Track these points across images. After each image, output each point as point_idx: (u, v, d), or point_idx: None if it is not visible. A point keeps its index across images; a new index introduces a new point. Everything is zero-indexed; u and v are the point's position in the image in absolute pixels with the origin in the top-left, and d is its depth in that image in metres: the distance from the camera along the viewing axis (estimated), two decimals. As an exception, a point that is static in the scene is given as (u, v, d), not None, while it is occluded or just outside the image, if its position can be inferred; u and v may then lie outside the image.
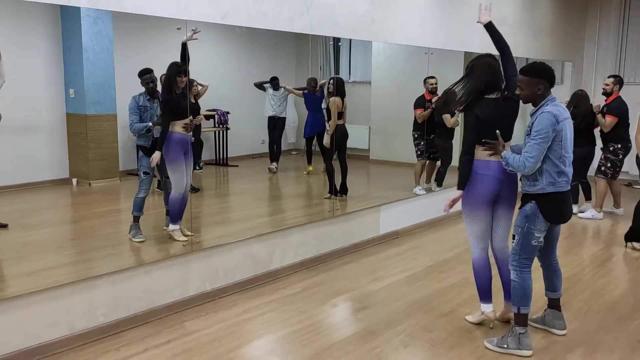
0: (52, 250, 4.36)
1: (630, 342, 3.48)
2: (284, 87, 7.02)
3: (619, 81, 6.64)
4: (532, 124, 3.18)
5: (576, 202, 6.79)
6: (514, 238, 3.34)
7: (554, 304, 3.56)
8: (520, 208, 3.31)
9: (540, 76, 3.18)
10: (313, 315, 3.85)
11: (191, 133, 4.48)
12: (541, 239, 3.27)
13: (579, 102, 6.56)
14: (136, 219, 4.35)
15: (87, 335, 3.37)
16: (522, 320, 3.29)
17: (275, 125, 7.13)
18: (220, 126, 6.97)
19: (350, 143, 7.17)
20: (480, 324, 3.66)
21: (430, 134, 6.62)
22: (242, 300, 4.07)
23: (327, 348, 3.37)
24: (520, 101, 3.35)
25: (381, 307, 3.99)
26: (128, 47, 5.55)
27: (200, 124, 6.52)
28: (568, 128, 3.18)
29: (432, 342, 3.44)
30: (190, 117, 4.41)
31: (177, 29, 3.88)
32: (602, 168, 6.58)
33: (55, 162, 5.65)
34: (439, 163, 6.78)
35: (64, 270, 3.77)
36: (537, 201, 3.21)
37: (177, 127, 4.35)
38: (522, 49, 7.55)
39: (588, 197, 6.94)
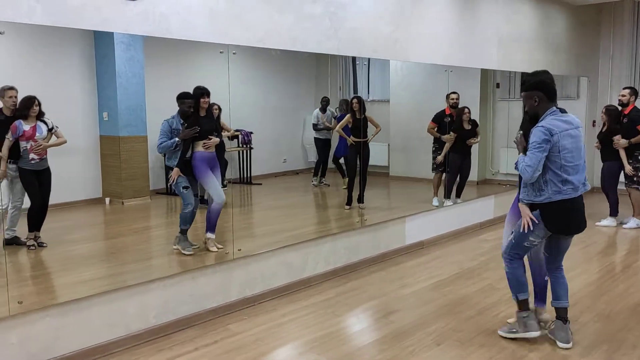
0: (97, 262, 4.64)
1: (653, 339, 3.66)
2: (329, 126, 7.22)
3: (634, 92, 6.88)
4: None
5: (615, 214, 6.99)
6: (511, 233, 3.57)
7: (559, 315, 3.56)
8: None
9: (535, 88, 3.38)
10: (347, 318, 4.08)
11: (213, 150, 4.71)
12: (535, 243, 3.46)
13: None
14: (184, 232, 4.58)
15: (141, 336, 3.64)
16: (522, 305, 3.55)
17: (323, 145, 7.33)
18: (244, 146, 7.24)
19: (370, 160, 7.43)
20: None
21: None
22: (280, 305, 4.32)
23: (363, 347, 3.60)
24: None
25: (411, 311, 4.21)
26: (157, 71, 5.88)
27: (223, 144, 6.83)
28: (569, 139, 3.31)
29: (462, 341, 3.64)
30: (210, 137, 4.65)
31: (220, 52, 4.20)
32: (635, 178, 6.73)
33: (90, 182, 5.96)
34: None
35: (112, 280, 4.03)
36: (542, 210, 3.36)
37: (199, 147, 4.61)
38: (539, 65, 7.78)
39: (612, 212, 7.04)
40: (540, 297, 3.80)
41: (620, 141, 6.65)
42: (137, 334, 3.63)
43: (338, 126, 6.49)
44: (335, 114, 7.30)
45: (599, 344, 3.57)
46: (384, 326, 3.96)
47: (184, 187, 4.63)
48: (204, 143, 4.61)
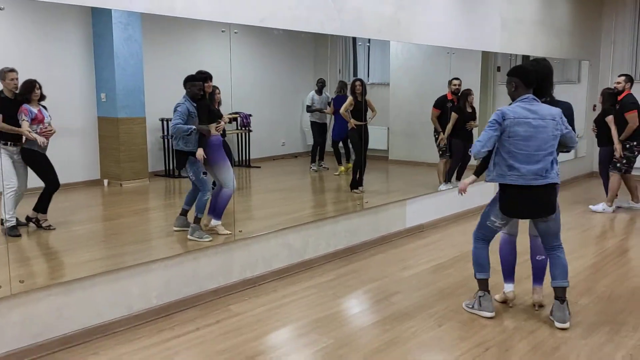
0: (98, 243, 4.64)
1: (653, 321, 3.68)
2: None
3: (630, 79, 6.89)
4: None
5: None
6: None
7: (556, 294, 3.58)
8: None
9: (513, 74, 3.46)
10: (348, 300, 4.09)
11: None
12: (497, 224, 3.60)
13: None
14: (197, 221, 4.44)
15: (143, 316, 3.64)
16: (480, 284, 3.72)
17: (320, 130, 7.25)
18: (243, 128, 7.19)
19: (370, 144, 7.36)
20: (504, 302, 3.92)
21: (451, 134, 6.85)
22: (281, 287, 4.32)
23: (364, 328, 3.61)
24: None
25: (412, 293, 4.22)
26: (155, 52, 5.81)
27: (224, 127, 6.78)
28: (525, 127, 3.35)
29: (464, 322, 3.66)
30: (219, 120, 4.65)
31: (222, 31, 4.15)
32: (618, 164, 6.76)
33: (88, 163, 5.92)
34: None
35: (114, 261, 4.03)
36: (500, 190, 3.53)
37: (212, 131, 4.56)
38: (541, 49, 7.75)
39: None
40: (534, 277, 3.85)
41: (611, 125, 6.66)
42: (139, 313, 3.63)
43: (343, 108, 6.41)
44: (330, 97, 7.22)
45: (600, 326, 3.59)
46: (385, 307, 3.97)
47: (204, 173, 4.53)
48: (217, 127, 4.57)
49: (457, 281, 4.46)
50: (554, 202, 3.49)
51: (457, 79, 6.72)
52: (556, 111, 3.44)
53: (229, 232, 4.44)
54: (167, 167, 5.89)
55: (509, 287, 3.85)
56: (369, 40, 6.48)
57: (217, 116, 4.66)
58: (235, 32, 4.22)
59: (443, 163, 6.85)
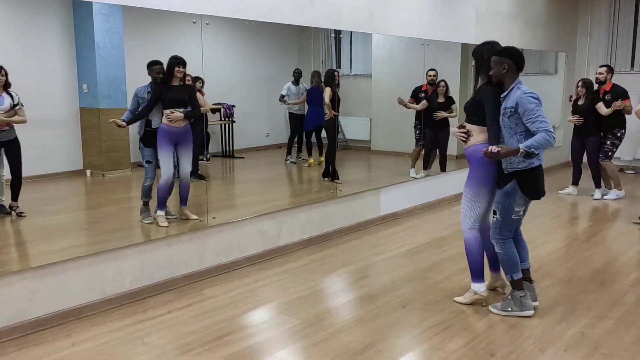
0: (77, 231, 4.73)
1: (608, 302, 3.84)
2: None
3: (611, 70, 7.01)
4: (516, 103, 3.34)
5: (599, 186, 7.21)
6: (494, 214, 3.58)
7: (524, 276, 3.63)
8: (499, 188, 3.53)
9: (505, 55, 3.41)
10: (319, 283, 4.22)
11: (182, 125, 4.62)
12: (521, 212, 3.52)
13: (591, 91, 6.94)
14: (145, 204, 4.70)
15: (116, 300, 3.75)
16: (518, 285, 3.56)
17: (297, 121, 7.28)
18: (226, 119, 7.26)
19: (351, 134, 7.45)
20: (472, 304, 3.76)
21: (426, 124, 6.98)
22: (254, 272, 4.44)
23: (332, 309, 3.74)
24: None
25: (381, 276, 4.36)
26: (137, 43, 5.87)
27: (206, 117, 6.83)
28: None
29: (426, 304, 3.80)
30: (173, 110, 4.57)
31: (193, 22, 4.23)
32: (609, 153, 6.92)
33: (70, 154, 5.98)
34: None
35: (90, 247, 4.11)
36: (517, 179, 3.41)
37: (163, 119, 4.56)
38: (517, 40, 7.88)
39: (598, 185, 7.22)
40: (494, 265, 3.90)
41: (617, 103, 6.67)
42: (112, 297, 3.73)
43: (327, 98, 6.42)
44: (305, 87, 7.28)
45: (555, 307, 3.74)
46: (353, 290, 4.11)
47: (147, 162, 4.69)
48: (167, 115, 4.53)
49: (427, 265, 4.60)
50: None
51: (432, 69, 6.85)
52: None
53: (195, 217, 4.57)
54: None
55: (482, 287, 3.73)
56: (351, 31, 6.57)
57: (175, 103, 4.57)
58: (207, 24, 4.30)
59: (417, 151, 7.00)
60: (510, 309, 3.59)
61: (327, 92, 6.35)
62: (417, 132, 7.08)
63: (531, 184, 3.44)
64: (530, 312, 3.56)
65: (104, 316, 3.58)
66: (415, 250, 5.05)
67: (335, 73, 6.47)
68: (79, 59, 6.02)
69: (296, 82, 7.19)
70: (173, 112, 4.53)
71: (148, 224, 4.62)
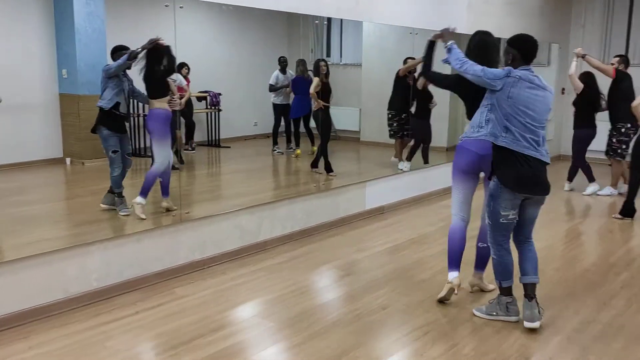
0: (49, 223, 4.52)
1: (596, 305, 3.68)
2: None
3: (624, 60, 6.65)
4: None
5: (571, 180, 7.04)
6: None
7: (526, 291, 3.29)
8: (488, 179, 3.37)
9: (511, 45, 3.23)
10: (298, 282, 4.03)
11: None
12: (510, 216, 3.21)
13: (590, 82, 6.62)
14: (120, 195, 4.57)
15: (80, 299, 3.54)
16: (505, 291, 3.37)
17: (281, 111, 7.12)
18: (212, 108, 7.08)
19: (341, 125, 7.27)
20: (447, 296, 3.61)
21: (403, 113, 6.81)
22: (231, 269, 4.25)
23: (309, 310, 3.56)
24: None
25: (363, 275, 4.18)
26: (119, 28, 5.66)
27: (191, 105, 6.63)
28: (527, 92, 3.13)
29: (408, 305, 3.63)
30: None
31: (165, 6, 4.01)
32: (619, 151, 6.55)
33: (49, 141, 5.78)
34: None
35: (59, 242, 3.92)
36: (495, 172, 3.21)
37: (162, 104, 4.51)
38: (509, 31, 7.60)
39: (592, 179, 6.94)
40: (478, 264, 3.79)
41: None
42: (77, 296, 3.53)
43: (312, 89, 6.25)
44: (292, 75, 7.09)
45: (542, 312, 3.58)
46: (333, 290, 3.93)
47: (113, 151, 4.56)
48: (172, 100, 4.58)
49: (409, 263, 4.43)
50: (548, 181, 3.26)
51: (412, 58, 6.67)
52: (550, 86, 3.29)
53: (144, 216, 4.37)
54: (133, 146, 5.79)
55: (454, 275, 3.59)
56: (341, 19, 6.36)
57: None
58: (181, 7, 4.08)
59: (398, 143, 6.93)
60: (495, 313, 3.41)
61: (314, 83, 6.19)
62: (395, 123, 6.89)
63: (507, 172, 3.16)
64: (515, 318, 3.37)
65: (66, 317, 3.38)
66: (399, 247, 4.87)
67: (321, 63, 6.29)
68: (58, 44, 5.82)
69: (283, 70, 7.00)
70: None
71: (125, 216, 4.44)
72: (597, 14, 9.24)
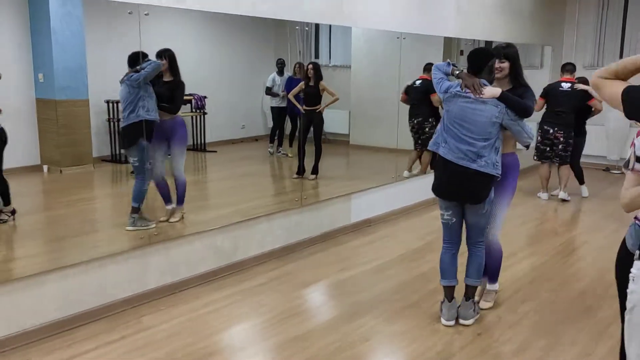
0: (15, 241, 4.24)
1: (593, 333, 3.44)
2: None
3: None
4: None
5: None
6: None
7: (466, 292, 3.53)
8: None
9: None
10: (274, 308, 3.76)
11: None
12: (445, 216, 3.43)
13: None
14: (135, 211, 4.25)
15: (36, 333, 3.25)
16: (443, 290, 3.55)
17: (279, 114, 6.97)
18: (198, 111, 6.85)
19: (329, 128, 7.04)
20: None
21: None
22: (205, 293, 3.97)
23: (281, 344, 3.28)
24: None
25: (346, 299, 3.92)
26: (99, 31, 5.38)
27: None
28: (460, 104, 3.31)
29: (393, 335, 3.38)
30: None
31: (129, 13, 3.72)
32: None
33: (26, 148, 5.50)
34: None
35: (19, 264, 3.65)
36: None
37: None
38: (501, 34, 7.44)
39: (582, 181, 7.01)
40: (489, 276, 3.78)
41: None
42: (32, 330, 3.24)
43: (291, 93, 6.10)
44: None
45: (536, 340, 3.33)
46: (310, 318, 3.67)
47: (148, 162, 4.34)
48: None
49: (396, 285, 4.17)
50: (481, 192, 3.27)
51: (430, 64, 6.47)
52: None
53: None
54: (114, 152, 5.52)
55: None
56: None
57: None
58: (146, 14, 3.79)
59: (418, 153, 6.74)
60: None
61: (297, 87, 6.02)
62: (419, 132, 6.66)
63: (435, 176, 3.47)
64: (444, 322, 3.46)
65: (20, 353, 3.10)
66: (387, 265, 4.61)
67: (309, 66, 6.11)
68: (34, 46, 5.53)
69: (280, 72, 6.83)
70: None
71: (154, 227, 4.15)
72: (591, 15, 9.02)
